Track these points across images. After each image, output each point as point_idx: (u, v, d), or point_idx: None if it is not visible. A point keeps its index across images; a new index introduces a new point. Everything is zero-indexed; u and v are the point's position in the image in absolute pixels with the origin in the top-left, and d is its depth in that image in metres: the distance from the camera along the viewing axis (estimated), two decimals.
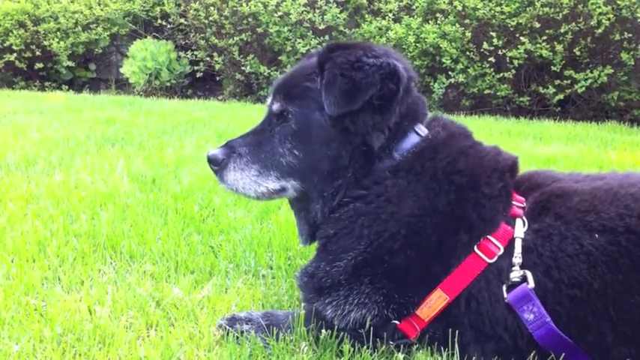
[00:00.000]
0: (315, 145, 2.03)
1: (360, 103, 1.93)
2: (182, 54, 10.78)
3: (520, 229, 1.91)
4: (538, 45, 8.40)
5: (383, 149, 2.02)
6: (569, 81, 8.47)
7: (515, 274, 1.84)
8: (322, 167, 2.03)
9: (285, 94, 2.10)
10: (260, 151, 2.11)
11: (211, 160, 2.16)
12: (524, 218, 1.94)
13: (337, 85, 1.94)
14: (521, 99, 8.82)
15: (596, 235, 1.81)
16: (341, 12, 9.61)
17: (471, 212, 1.93)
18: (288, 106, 2.08)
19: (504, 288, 1.85)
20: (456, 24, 8.82)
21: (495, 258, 1.88)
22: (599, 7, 8.09)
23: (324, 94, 1.97)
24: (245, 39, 10.07)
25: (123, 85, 11.63)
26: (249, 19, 9.95)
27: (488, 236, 1.91)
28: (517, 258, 1.85)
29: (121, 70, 11.09)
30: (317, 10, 9.66)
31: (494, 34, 8.54)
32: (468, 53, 8.84)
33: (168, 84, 10.85)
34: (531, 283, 1.81)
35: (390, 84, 1.95)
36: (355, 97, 1.93)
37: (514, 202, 1.99)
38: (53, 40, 10.88)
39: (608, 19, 8.09)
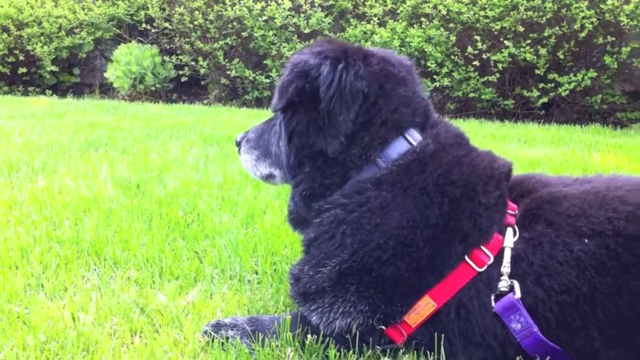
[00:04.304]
0: (282, 139, 2.13)
1: (284, 101, 2.00)
2: (167, 58, 10.73)
3: (510, 238, 1.89)
4: (522, 49, 8.46)
5: (358, 157, 1.99)
6: (553, 84, 8.54)
7: (503, 284, 1.83)
8: (286, 160, 2.12)
9: None
10: (262, 139, 2.30)
11: (235, 142, 2.42)
12: (515, 227, 1.92)
13: (279, 83, 2.05)
14: (505, 102, 8.88)
15: (586, 240, 1.80)
16: (326, 16, 9.62)
17: (466, 222, 1.90)
18: None
19: (492, 297, 1.84)
20: (441, 28, 8.86)
21: (485, 267, 1.87)
22: (583, 11, 8.16)
23: None
24: (230, 43, 10.05)
25: (107, 90, 11.56)
26: (234, 24, 9.93)
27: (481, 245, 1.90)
28: (506, 267, 1.84)
29: (105, 75, 11.00)
30: (302, 15, 9.67)
31: (478, 38, 8.60)
32: (452, 57, 8.89)
33: (153, 88, 10.78)
34: (518, 294, 1.80)
35: (302, 82, 1.96)
36: (281, 95, 2.01)
37: (508, 211, 1.97)
38: (37, 44, 10.78)
39: (592, 22, 8.16)
